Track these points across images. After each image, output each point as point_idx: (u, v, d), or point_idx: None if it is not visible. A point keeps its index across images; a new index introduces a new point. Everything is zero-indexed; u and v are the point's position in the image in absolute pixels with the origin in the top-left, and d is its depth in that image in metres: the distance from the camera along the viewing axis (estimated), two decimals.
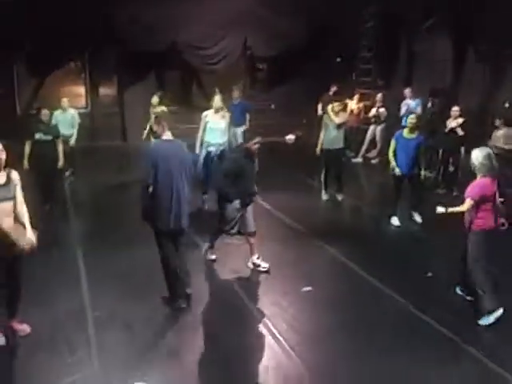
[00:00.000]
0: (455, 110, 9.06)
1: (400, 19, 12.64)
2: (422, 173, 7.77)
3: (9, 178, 4.27)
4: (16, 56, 12.39)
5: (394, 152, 7.59)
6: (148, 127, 9.11)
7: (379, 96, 11.70)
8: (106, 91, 13.86)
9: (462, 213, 5.09)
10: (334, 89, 13.04)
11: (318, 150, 8.91)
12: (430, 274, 6.01)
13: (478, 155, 5.01)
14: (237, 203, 5.79)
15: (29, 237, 4.28)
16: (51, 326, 4.72)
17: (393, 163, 7.57)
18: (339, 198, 9.01)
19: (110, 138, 13.10)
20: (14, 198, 4.27)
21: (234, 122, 10.23)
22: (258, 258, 6.11)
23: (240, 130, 10.14)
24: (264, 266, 6.07)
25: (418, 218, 7.86)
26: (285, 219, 7.85)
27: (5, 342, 4.39)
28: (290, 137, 8.51)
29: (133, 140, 12.51)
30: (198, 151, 8.29)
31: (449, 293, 5.51)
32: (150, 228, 4.98)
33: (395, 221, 7.78)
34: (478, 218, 4.99)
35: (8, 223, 4.19)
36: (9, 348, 4.38)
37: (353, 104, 12.14)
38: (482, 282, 4.94)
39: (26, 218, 4.35)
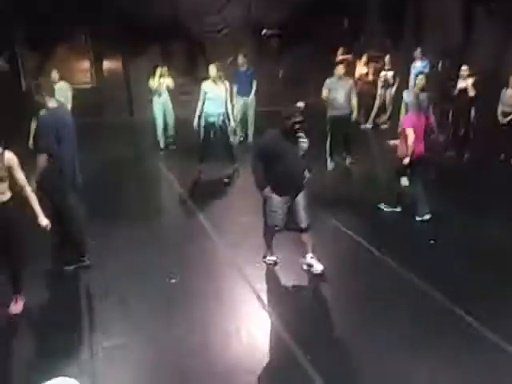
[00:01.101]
0: (464, 69, 8.80)
1: None
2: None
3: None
4: (18, 31, 12.27)
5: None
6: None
7: (387, 58, 11.38)
8: (111, 65, 13.73)
9: None
10: (341, 52, 12.80)
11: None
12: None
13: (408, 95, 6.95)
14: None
15: (39, 222, 4.40)
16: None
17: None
18: (347, 162, 8.87)
19: (116, 113, 13.04)
20: (4, 179, 4.28)
21: (241, 90, 10.21)
22: (312, 258, 5.31)
23: (249, 100, 10.15)
24: (317, 267, 5.26)
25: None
26: None
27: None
28: (300, 104, 8.35)
29: (139, 114, 12.47)
30: (195, 123, 8.26)
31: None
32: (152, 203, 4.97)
33: (404, 181, 7.57)
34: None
35: None
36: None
37: (361, 68, 11.83)
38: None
39: (34, 201, 4.41)
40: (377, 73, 11.61)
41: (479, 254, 5.60)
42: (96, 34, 12.87)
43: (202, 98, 8.16)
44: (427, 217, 6.46)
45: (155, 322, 4.46)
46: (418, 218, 6.48)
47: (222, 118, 8.12)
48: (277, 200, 5.08)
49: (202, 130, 8.22)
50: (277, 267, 5.41)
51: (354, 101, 8.66)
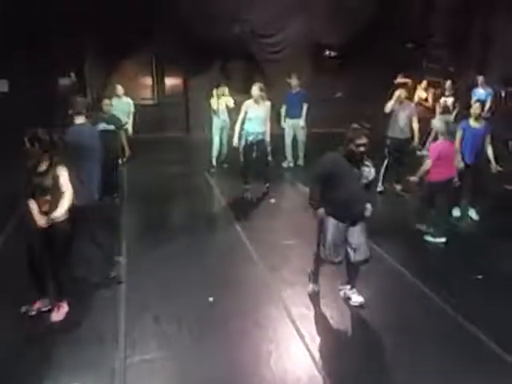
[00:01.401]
0: None
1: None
2: (493, 165, 7.32)
3: (49, 169, 4.53)
4: (87, 45, 12.90)
5: (461, 143, 7.22)
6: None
7: (448, 84, 11.09)
8: (173, 82, 14.17)
9: None
10: (401, 76, 12.63)
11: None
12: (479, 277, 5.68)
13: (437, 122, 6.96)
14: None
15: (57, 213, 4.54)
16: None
17: (458, 156, 7.14)
18: (398, 188, 8.73)
19: (175, 129, 13.41)
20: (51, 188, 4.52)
21: (290, 113, 10.18)
22: (351, 289, 5.15)
23: (300, 123, 10.12)
24: (356, 299, 5.08)
25: (474, 215, 7.49)
26: None
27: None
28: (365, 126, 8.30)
29: (195, 132, 12.77)
30: (236, 141, 8.38)
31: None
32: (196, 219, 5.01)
33: (456, 211, 7.48)
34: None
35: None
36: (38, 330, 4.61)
37: (420, 92, 11.61)
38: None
39: (63, 202, 4.55)
40: (436, 98, 11.35)
41: None
42: (160, 51, 13.33)
43: (241, 117, 8.29)
44: (443, 239, 6.59)
45: (187, 340, 4.50)
46: (433, 239, 6.65)
47: (260, 137, 8.20)
48: (333, 225, 4.81)
49: (242, 149, 8.35)
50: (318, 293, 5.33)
51: (416, 125, 8.56)
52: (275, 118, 10.55)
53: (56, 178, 4.52)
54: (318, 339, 4.57)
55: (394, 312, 5.05)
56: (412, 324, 4.81)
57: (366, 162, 4.80)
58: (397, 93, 8.55)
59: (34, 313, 4.78)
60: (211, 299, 5.13)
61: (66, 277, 4.81)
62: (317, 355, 4.33)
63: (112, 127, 7.80)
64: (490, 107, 8.29)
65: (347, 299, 5.15)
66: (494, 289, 5.47)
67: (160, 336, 4.54)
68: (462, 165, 7.13)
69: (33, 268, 4.70)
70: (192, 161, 11.05)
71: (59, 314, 4.77)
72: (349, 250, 4.90)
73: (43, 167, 4.55)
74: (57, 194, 4.54)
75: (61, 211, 4.51)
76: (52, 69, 12.44)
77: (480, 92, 10.47)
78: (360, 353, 4.43)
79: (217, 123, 9.99)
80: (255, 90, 8.15)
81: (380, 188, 8.65)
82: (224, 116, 9.98)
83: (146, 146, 11.02)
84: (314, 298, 5.27)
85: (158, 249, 6.33)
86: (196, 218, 7.67)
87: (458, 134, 7.22)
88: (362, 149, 4.66)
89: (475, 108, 7.20)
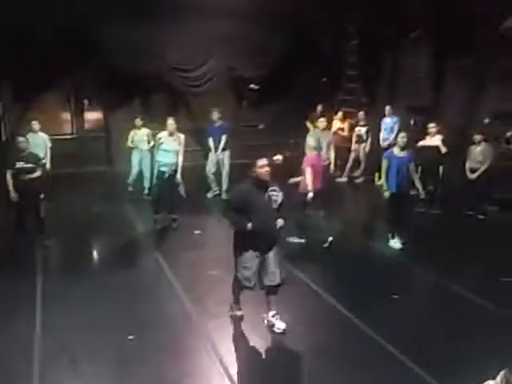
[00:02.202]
0: (431, 126, 9.04)
1: (384, 35, 12.67)
2: (421, 191, 7.65)
3: None
4: (2, 82, 12.48)
5: (387, 171, 7.41)
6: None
7: (361, 114, 11.71)
8: (92, 116, 13.94)
9: None
10: (320, 108, 13.17)
11: None
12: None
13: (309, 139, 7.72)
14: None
15: None
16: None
17: (384, 185, 7.41)
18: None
19: (95, 164, 13.12)
20: None
21: (215, 144, 10.36)
22: (274, 316, 5.26)
23: (225, 155, 10.30)
24: (279, 326, 5.19)
25: (397, 245, 7.51)
26: None
27: None
28: (278, 157, 8.53)
29: (118, 165, 12.56)
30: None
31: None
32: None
33: (396, 243, 7.50)
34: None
35: None
36: None
37: (337, 123, 12.13)
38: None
39: None
40: (352, 128, 11.92)
41: (441, 310, 5.61)
42: (78, 85, 13.12)
43: (156, 148, 8.54)
44: (330, 239, 7.41)
45: (106, 381, 4.36)
46: (324, 245, 7.38)
47: (173, 168, 8.31)
48: (248, 253, 4.97)
49: (155, 179, 8.49)
50: (242, 322, 5.35)
51: (332, 153, 8.90)
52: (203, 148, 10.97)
53: None
54: (242, 370, 4.57)
55: (315, 336, 5.16)
56: (333, 347, 4.93)
57: (274, 187, 5.03)
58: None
59: None
60: (131, 337, 5.01)
61: None
62: None
63: (31, 165, 7.50)
64: (397, 134, 8.77)
65: (271, 326, 5.21)
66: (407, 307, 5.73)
67: (78, 378, 4.37)
68: (387, 193, 7.36)
69: None
70: (113, 194, 10.86)
71: None
72: (263, 276, 5.06)
73: None
74: None
75: None
76: None
77: (387, 121, 11.12)
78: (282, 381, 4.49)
79: (135, 155, 10.33)
80: (171, 123, 8.43)
81: None
82: (143, 147, 10.21)
83: (65, 181, 10.69)
84: (238, 327, 5.31)
85: (76, 287, 6.12)
86: (117, 253, 7.52)
87: (384, 164, 7.43)
88: (265, 169, 4.89)
89: (402, 137, 7.39)
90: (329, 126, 12.14)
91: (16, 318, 5.34)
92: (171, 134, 8.44)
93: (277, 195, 5.04)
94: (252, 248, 4.96)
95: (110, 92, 12.86)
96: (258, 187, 4.95)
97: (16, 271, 6.55)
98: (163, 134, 8.50)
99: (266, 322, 5.29)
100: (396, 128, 10.67)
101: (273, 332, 5.17)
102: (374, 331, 5.11)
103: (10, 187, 7.32)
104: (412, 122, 11.14)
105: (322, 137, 8.82)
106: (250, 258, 4.98)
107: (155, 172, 8.48)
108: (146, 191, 10.21)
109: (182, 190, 8.52)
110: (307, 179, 7.29)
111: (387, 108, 11.18)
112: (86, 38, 11.79)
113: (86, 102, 13.66)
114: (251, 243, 4.95)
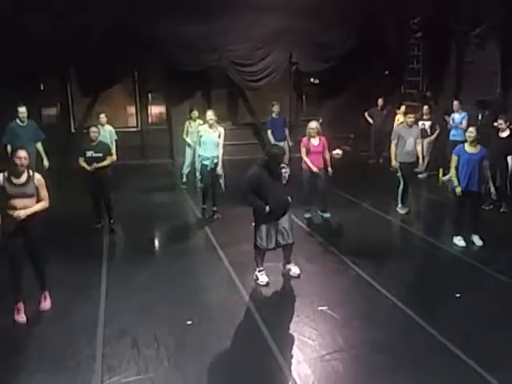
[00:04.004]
0: (500, 122, 8.62)
1: (448, 29, 12.26)
2: (492, 190, 7.46)
3: (29, 179, 5.09)
4: (70, 75, 13.07)
5: (457, 168, 7.08)
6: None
7: (425, 108, 11.37)
8: (155, 110, 14.34)
9: None
10: (381, 102, 12.92)
11: (393, 163, 8.80)
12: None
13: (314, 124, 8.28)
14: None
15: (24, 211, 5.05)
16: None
17: (455, 181, 7.07)
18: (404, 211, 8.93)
19: (158, 156, 13.51)
20: (32, 196, 5.08)
21: (277, 136, 10.77)
22: (289, 264, 6.27)
23: (285, 145, 10.47)
24: (294, 271, 6.22)
25: (478, 241, 7.20)
26: (315, 235, 7.77)
27: (25, 320, 5.16)
28: (338, 151, 8.46)
29: (180, 157, 12.85)
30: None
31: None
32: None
33: (460, 241, 7.21)
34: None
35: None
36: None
37: (399, 117, 11.85)
38: None
39: (37, 205, 5.14)
40: (415, 122, 11.54)
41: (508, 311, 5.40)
42: (142, 79, 13.54)
43: (198, 141, 8.62)
44: (327, 215, 8.40)
45: (165, 364, 4.48)
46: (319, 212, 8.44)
47: (215, 161, 8.36)
48: (265, 224, 5.83)
49: (199, 173, 8.61)
50: (298, 315, 5.37)
51: (419, 148, 8.91)
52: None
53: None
54: (295, 359, 4.58)
55: (371, 330, 5.10)
56: (390, 343, 4.85)
57: (283, 165, 5.93)
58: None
59: (23, 319, 5.16)
60: (190, 322, 5.14)
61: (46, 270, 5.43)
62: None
63: (101, 154, 7.88)
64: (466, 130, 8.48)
65: (288, 271, 6.24)
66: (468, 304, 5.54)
67: (138, 360, 4.52)
68: (459, 190, 7.02)
69: (15, 267, 5.14)
70: (173, 185, 11.22)
71: (47, 302, 5.43)
72: (278, 237, 5.93)
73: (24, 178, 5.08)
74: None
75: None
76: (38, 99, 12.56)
77: (456, 116, 10.74)
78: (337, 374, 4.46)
79: (188, 146, 10.60)
80: (210, 115, 8.39)
81: (403, 210, 8.88)
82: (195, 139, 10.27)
83: (130, 172, 11.11)
84: (293, 316, 5.32)
85: (139, 274, 6.35)
86: (176, 241, 7.76)
87: (454, 160, 7.11)
88: (276, 150, 5.87)
89: (470, 132, 7.02)
90: (391, 121, 11.98)
91: (82, 301, 5.59)
92: (211, 127, 8.41)
93: (285, 171, 5.87)
94: (267, 220, 5.82)
95: (172, 86, 13.21)
96: (270, 167, 5.77)
97: (84, 256, 6.90)
98: (203, 127, 8.54)
99: (282, 269, 6.29)
100: (464, 123, 10.29)
101: (316, 311, 5.34)
102: (435, 329, 4.97)
103: (86, 166, 7.79)
104: (480, 117, 10.68)
105: (410, 132, 8.73)
106: (265, 227, 5.85)
107: (197, 166, 8.57)
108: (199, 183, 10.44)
109: (222, 182, 8.53)
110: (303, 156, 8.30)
111: (455, 103, 10.79)
112: (149, 35, 12.14)
113: (150, 95, 14.11)
114: (266, 217, 5.79)
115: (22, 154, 5.05)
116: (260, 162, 5.91)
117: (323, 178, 8.32)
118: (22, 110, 9.14)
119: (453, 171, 7.13)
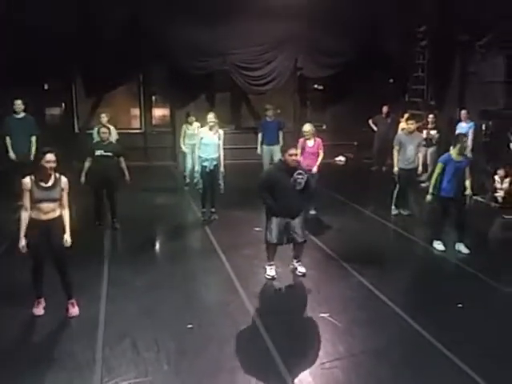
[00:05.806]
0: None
1: (454, 39, 12.26)
2: (473, 197, 7.51)
3: (56, 182, 5.04)
4: (75, 76, 13.09)
5: (441, 176, 7.19)
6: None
7: (430, 117, 11.36)
8: (159, 113, 14.36)
9: None
10: (385, 109, 12.92)
11: (395, 170, 8.92)
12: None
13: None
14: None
15: (65, 237, 5.10)
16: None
17: (432, 188, 7.26)
18: (405, 212, 9.10)
19: (162, 158, 13.51)
20: (58, 200, 5.05)
21: (267, 139, 10.81)
22: (297, 262, 6.41)
23: (277, 148, 10.45)
24: (300, 270, 6.37)
25: (464, 249, 7.28)
26: (317, 242, 7.72)
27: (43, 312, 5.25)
28: (341, 158, 8.50)
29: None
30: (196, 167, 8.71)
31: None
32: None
33: (439, 245, 7.39)
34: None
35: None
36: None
37: (403, 125, 11.83)
38: None
39: (66, 220, 5.14)
40: (419, 131, 11.54)
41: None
42: (147, 81, 13.55)
43: (197, 143, 8.59)
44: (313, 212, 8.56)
45: (164, 367, 4.45)
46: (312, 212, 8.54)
47: (214, 163, 8.37)
48: (275, 221, 6.03)
49: (199, 175, 8.58)
50: (300, 320, 5.37)
51: (420, 156, 9.04)
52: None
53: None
54: (297, 364, 4.55)
55: (373, 338, 5.07)
56: (390, 351, 4.82)
57: (300, 171, 6.04)
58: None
59: (42, 312, 5.26)
60: (190, 326, 5.11)
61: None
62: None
63: (110, 154, 7.94)
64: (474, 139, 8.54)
65: (294, 269, 6.41)
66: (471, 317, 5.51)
67: (137, 362, 4.49)
68: (429, 198, 7.29)
69: (37, 273, 5.18)
70: (175, 187, 11.23)
71: (75, 309, 5.31)
72: (288, 235, 6.14)
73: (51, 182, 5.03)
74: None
75: None
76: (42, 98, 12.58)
77: (463, 125, 10.73)
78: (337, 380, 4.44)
79: (188, 149, 10.65)
80: (211, 117, 8.39)
81: (395, 211, 9.13)
82: (192, 142, 10.31)
83: (133, 173, 11.06)
84: (295, 323, 5.29)
85: (139, 276, 6.33)
86: (177, 243, 7.79)
87: (438, 167, 7.20)
88: (293, 157, 5.94)
89: (463, 142, 7.18)
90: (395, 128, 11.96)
91: (82, 303, 5.52)
92: (211, 129, 8.41)
93: (301, 178, 6.00)
94: (277, 217, 6.03)
95: (177, 89, 13.22)
96: (286, 171, 5.96)
97: (85, 258, 6.78)
98: (203, 129, 8.55)
99: (291, 266, 6.46)
100: (470, 133, 10.28)
101: (317, 318, 5.32)
102: (436, 337, 4.94)
103: (84, 171, 7.89)
104: (483, 127, 10.67)
105: (411, 139, 8.77)
106: (275, 223, 6.06)
107: (197, 167, 8.57)
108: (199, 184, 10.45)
109: (221, 185, 8.52)
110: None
111: (463, 112, 10.80)
112: (154, 38, 12.17)
113: (154, 98, 14.14)
114: (279, 215, 6.02)
115: (51, 157, 4.96)
116: (278, 163, 6.25)
117: (312, 177, 8.16)
118: (18, 102, 9.33)
119: (435, 178, 7.24)
